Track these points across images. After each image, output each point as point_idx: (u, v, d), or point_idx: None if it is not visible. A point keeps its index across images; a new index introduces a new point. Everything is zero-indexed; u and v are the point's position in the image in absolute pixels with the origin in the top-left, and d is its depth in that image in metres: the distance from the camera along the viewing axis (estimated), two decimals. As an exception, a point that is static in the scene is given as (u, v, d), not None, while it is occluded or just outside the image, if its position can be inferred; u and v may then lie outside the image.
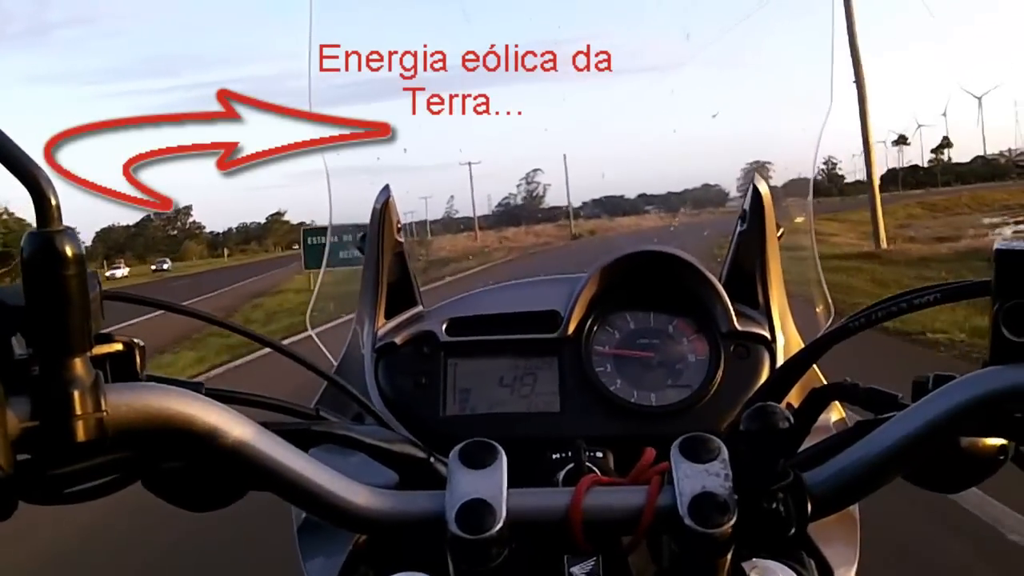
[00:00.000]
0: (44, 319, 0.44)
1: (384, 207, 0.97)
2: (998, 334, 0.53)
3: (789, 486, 0.55)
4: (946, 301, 0.64)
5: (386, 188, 0.98)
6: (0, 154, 0.42)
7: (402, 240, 1.00)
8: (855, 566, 0.78)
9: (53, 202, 0.42)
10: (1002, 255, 0.53)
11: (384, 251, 0.98)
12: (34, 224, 0.43)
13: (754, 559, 0.61)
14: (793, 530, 0.55)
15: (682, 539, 0.54)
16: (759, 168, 1.24)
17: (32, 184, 0.42)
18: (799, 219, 1.19)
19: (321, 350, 1.08)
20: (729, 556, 0.55)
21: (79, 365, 0.45)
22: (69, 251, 0.43)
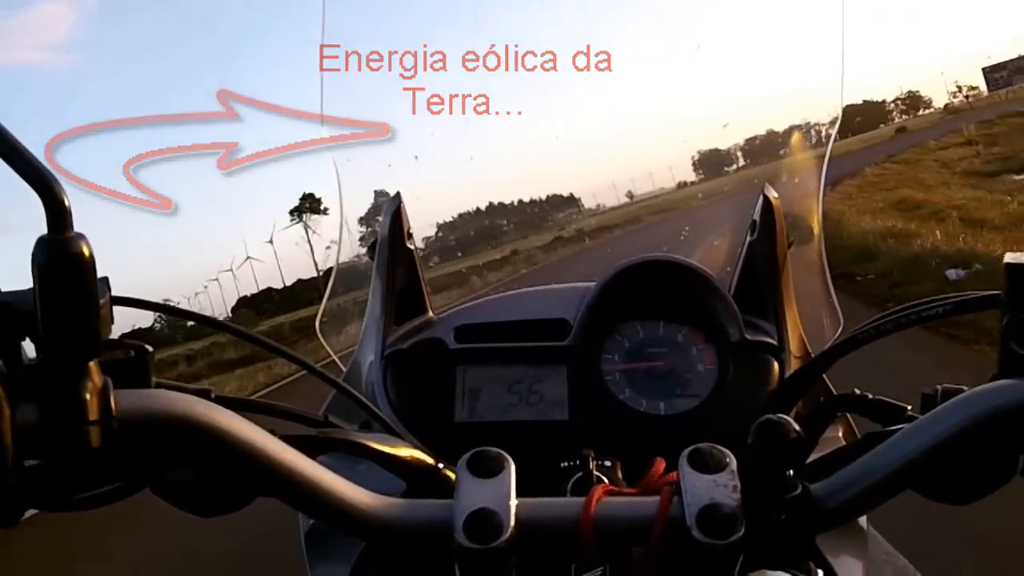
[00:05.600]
0: (56, 324, 0.43)
1: (396, 214, 0.97)
2: (1007, 348, 0.53)
3: (797, 498, 0.55)
4: (955, 313, 0.64)
5: (397, 195, 0.98)
6: (11, 159, 0.41)
7: (412, 248, 1.01)
8: None
9: (66, 205, 0.42)
10: (1012, 269, 0.53)
11: (395, 258, 0.98)
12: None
13: (762, 570, 0.61)
14: (801, 541, 0.55)
15: (690, 550, 0.54)
16: (769, 176, 1.24)
17: (44, 189, 0.41)
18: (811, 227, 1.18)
19: (331, 356, 1.08)
20: (737, 567, 0.55)
21: (90, 371, 0.45)
22: (84, 255, 0.43)
